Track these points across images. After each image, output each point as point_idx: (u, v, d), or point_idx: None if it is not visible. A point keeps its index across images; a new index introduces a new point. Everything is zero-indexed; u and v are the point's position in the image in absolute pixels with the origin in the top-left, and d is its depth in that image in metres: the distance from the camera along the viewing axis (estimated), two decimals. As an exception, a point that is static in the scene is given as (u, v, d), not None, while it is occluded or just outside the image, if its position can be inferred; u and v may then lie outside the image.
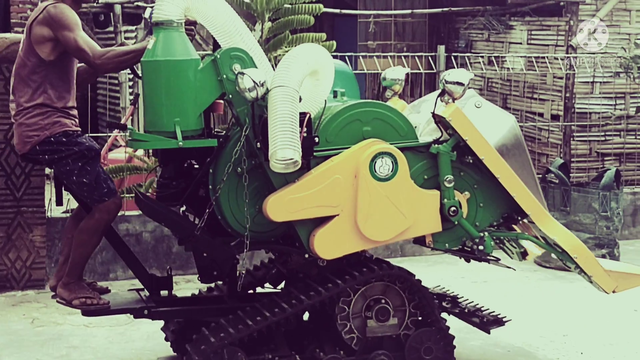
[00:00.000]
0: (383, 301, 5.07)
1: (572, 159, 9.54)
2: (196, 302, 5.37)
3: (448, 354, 5.11)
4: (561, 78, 9.67)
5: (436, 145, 4.95)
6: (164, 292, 5.24)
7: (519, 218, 5.13)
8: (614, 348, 5.88)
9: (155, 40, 4.79)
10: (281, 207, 4.80)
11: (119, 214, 7.20)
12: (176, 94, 4.74)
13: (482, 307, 5.57)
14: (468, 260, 5.31)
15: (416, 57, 8.99)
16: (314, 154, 4.84)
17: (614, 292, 5.10)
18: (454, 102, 4.84)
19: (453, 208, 4.93)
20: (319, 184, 4.83)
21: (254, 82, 4.62)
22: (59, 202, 5.43)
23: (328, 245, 4.88)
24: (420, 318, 5.14)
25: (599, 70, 9.56)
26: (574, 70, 9.53)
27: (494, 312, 5.48)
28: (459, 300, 5.67)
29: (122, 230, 7.46)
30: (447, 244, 5.08)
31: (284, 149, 4.56)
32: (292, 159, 4.59)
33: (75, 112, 5.21)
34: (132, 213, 7.53)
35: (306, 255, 4.98)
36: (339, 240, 4.88)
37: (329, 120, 4.91)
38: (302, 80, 4.73)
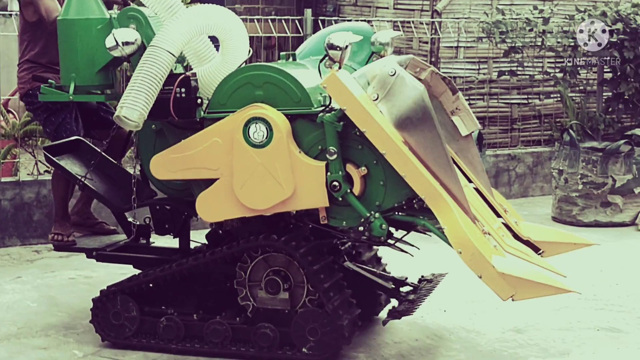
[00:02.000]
0: (282, 274, 4.89)
1: (437, 123, 9.65)
2: (152, 252, 5.46)
3: (335, 340, 4.78)
4: (426, 43, 9.76)
5: (322, 114, 4.67)
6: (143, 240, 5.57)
7: (414, 201, 4.64)
8: (475, 305, 5.99)
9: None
10: (162, 165, 4.86)
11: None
12: (74, 51, 5.07)
13: (422, 299, 5.33)
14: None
15: (283, 21, 8.88)
16: (206, 115, 4.82)
17: (512, 299, 4.40)
18: (340, 68, 4.62)
19: (335, 183, 4.60)
20: (198, 146, 4.78)
21: (115, 41, 4.74)
22: None
23: (209, 208, 4.83)
24: (317, 298, 4.85)
25: (463, 35, 9.68)
26: (439, 35, 9.63)
27: (418, 306, 5.30)
28: (420, 289, 5.44)
29: (-20, 197, 7.15)
30: (344, 222, 4.73)
31: (128, 108, 4.60)
32: (131, 119, 4.62)
33: None
34: (-10, 180, 7.25)
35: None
36: (219, 204, 4.79)
37: (221, 83, 4.83)
38: (182, 42, 4.74)
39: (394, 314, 5.07)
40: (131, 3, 5.61)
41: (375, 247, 5.57)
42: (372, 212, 4.65)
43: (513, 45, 9.41)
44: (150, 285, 5.13)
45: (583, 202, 8.37)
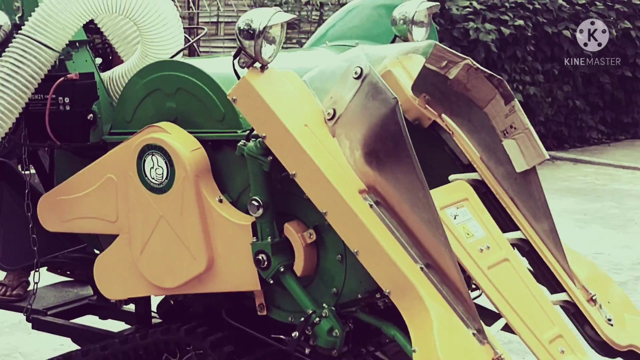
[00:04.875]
0: None
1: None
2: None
3: None
4: (185, 18, 8.36)
5: (242, 142, 2.84)
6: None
7: (377, 295, 2.76)
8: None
9: None
10: (51, 210, 3.30)
11: None
12: None
13: None
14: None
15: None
16: (107, 137, 3.21)
17: None
18: (263, 67, 2.75)
19: (261, 255, 2.83)
20: (90, 184, 3.17)
21: None
22: None
23: (108, 278, 3.20)
24: None
25: (222, 10, 8.45)
26: (198, 10, 8.48)
27: None
28: None
29: None
30: (290, 317, 2.92)
31: None
32: None
33: None
34: None
35: None
36: (119, 274, 3.15)
37: (124, 90, 3.19)
38: (67, 28, 3.18)
39: None
40: None
41: None
42: (322, 306, 2.82)
43: None
44: None
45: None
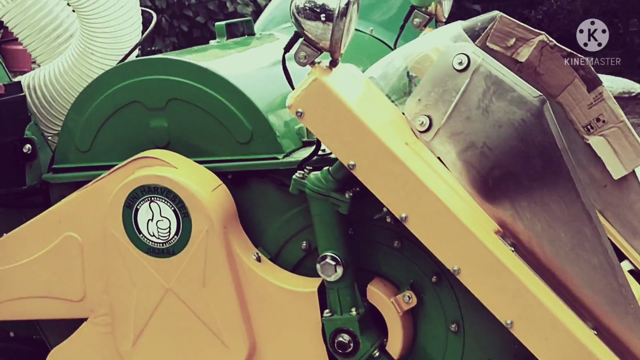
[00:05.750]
0: None
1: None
2: None
3: None
4: None
5: (298, 173, 1.96)
6: None
7: None
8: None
9: None
10: None
11: None
12: None
13: None
14: None
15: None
16: (49, 176, 2.22)
17: None
18: (333, 63, 1.87)
19: (343, 336, 1.97)
20: (35, 249, 2.17)
21: None
22: None
23: None
24: None
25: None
26: None
27: None
28: None
29: None
30: None
31: None
32: None
33: None
34: None
35: None
36: None
37: (75, 104, 2.18)
38: None
39: None
40: None
41: None
42: None
43: None
44: None
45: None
